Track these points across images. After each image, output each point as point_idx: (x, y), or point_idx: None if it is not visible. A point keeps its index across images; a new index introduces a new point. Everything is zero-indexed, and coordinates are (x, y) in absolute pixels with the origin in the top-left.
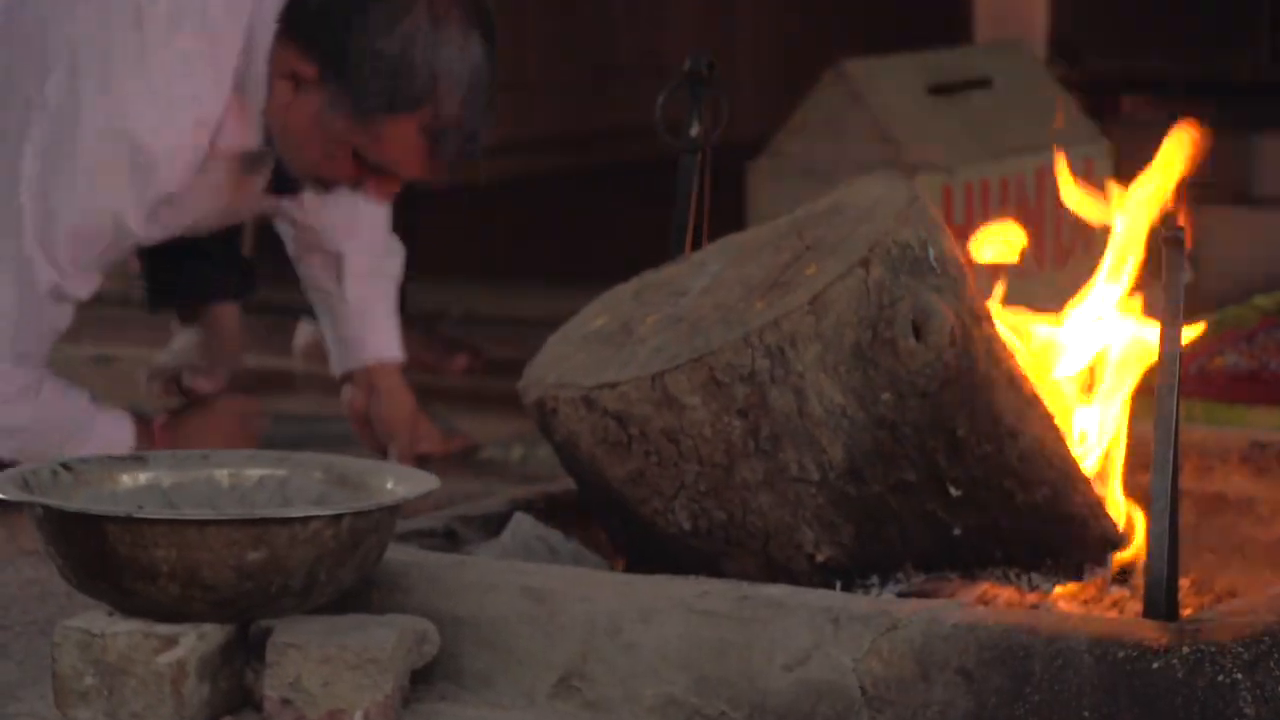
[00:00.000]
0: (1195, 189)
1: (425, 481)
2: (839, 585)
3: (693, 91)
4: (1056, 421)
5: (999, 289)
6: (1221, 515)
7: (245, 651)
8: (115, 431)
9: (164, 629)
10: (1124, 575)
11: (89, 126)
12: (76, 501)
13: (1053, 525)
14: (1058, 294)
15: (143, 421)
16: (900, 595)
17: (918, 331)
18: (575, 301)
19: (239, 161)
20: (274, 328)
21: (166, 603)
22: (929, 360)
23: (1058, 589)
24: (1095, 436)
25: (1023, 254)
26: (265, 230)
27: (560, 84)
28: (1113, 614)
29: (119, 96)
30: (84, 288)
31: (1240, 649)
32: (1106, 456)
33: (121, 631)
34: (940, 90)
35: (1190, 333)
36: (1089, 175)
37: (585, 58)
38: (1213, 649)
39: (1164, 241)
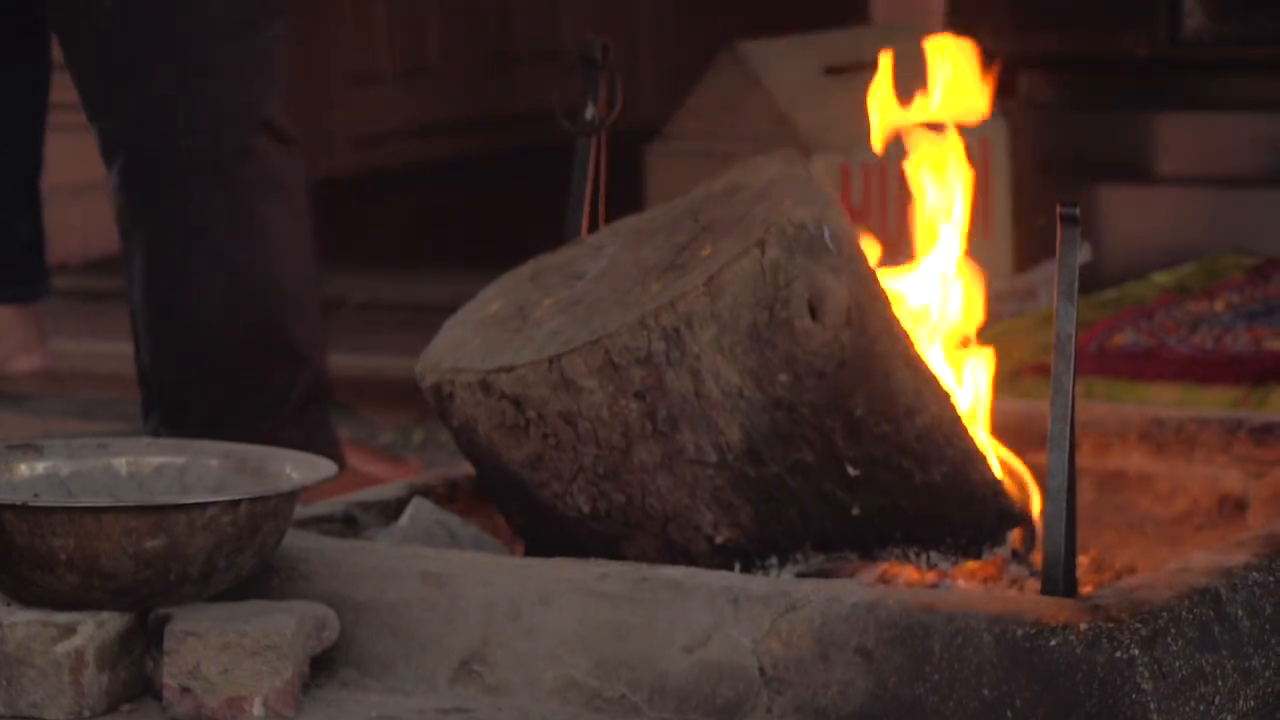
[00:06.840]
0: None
1: (323, 468)
2: (738, 566)
3: (587, 76)
4: (953, 400)
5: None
6: (1120, 492)
7: (145, 640)
8: None
9: (62, 618)
10: (1023, 553)
11: None
12: None
13: (952, 504)
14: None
15: None
16: (799, 576)
17: (814, 312)
18: (474, 286)
19: None
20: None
21: (65, 592)
22: (825, 340)
23: (957, 568)
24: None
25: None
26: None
27: (460, 70)
28: (1012, 592)
29: None
30: None
31: (1138, 625)
32: None
33: (20, 621)
34: (837, 71)
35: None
36: (985, 155)
37: (484, 44)
38: (1111, 626)
39: (1060, 218)
